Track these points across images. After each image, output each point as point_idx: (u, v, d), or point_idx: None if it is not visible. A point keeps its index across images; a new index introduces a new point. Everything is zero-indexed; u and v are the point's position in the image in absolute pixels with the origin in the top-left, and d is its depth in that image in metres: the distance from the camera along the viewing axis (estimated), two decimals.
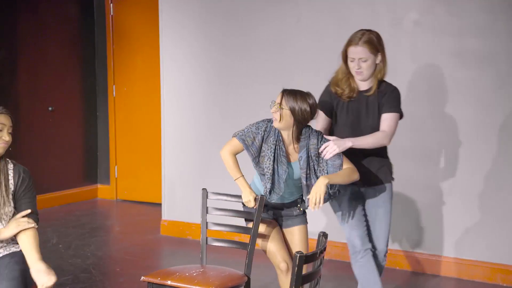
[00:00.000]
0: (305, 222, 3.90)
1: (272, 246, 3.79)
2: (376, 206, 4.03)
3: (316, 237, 3.03)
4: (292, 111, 3.66)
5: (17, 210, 3.44)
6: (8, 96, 7.12)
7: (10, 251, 3.39)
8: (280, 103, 3.67)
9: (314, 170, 3.70)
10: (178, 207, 6.36)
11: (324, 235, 3.00)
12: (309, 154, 3.69)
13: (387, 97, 3.93)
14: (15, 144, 7.09)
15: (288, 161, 3.73)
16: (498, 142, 5.04)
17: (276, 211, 3.88)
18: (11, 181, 3.43)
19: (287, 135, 3.73)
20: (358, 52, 3.86)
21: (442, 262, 5.27)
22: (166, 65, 6.39)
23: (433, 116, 5.25)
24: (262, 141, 3.75)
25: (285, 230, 3.90)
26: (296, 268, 2.68)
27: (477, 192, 5.13)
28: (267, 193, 3.77)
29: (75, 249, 5.94)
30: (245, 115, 5.96)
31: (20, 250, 3.41)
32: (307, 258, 2.73)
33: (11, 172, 3.45)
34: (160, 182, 6.77)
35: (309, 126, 3.76)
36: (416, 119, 5.30)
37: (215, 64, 6.15)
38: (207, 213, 3.96)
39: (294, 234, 3.88)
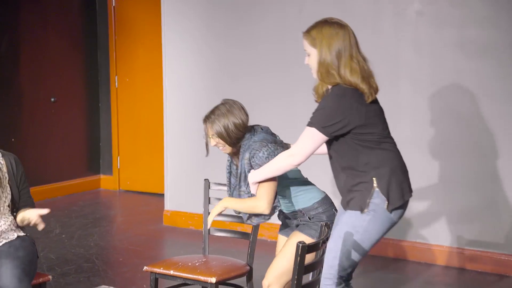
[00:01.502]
0: (302, 230, 3.49)
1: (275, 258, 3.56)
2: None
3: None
4: (220, 136, 3.41)
5: (19, 197, 3.46)
6: (11, 87, 7.12)
7: (9, 239, 3.40)
8: (209, 135, 3.44)
9: (239, 185, 3.46)
10: (180, 197, 6.38)
11: (326, 225, 3.01)
12: (239, 171, 3.43)
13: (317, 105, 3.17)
14: (18, 135, 7.13)
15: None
16: (500, 133, 5.04)
17: (289, 221, 3.63)
18: (3, 169, 3.44)
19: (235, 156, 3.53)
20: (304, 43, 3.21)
21: (444, 252, 5.28)
22: (169, 56, 6.39)
23: (435, 107, 5.25)
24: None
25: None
26: (299, 258, 2.69)
27: (477, 183, 5.13)
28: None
29: (78, 239, 5.97)
30: (247, 106, 5.94)
31: (19, 236, 3.42)
32: (309, 248, 2.75)
33: (1, 160, 3.46)
34: (162, 173, 6.78)
35: (251, 134, 3.44)
36: (418, 110, 5.30)
37: (217, 54, 6.15)
38: (209, 203, 3.97)
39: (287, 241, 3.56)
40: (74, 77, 7.79)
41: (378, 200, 3.12)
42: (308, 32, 3.16)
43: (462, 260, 5.20)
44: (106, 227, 6.46)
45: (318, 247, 2.84)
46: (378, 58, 5.41)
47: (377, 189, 3.12)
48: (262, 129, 3.52)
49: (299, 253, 2.69)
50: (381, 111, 3.22)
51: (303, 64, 5.69)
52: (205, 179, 4.00)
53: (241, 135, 3.45)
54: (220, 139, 3.44)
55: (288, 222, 3.63)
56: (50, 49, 7.48)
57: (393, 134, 4.89)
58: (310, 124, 3.10)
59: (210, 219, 3.47)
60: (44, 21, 7.40)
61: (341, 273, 3.20)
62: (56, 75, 7.56)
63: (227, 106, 3.47)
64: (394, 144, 3.25)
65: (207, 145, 3.52)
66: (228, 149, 3.49)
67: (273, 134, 3.56)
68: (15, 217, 3.47)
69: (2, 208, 3.41)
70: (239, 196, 3.49)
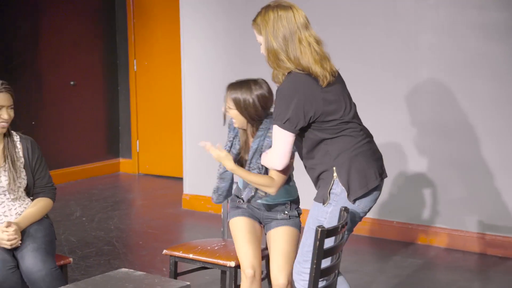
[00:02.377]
0: (294, 225, 3.48)
1: (242, 247, 3.42)
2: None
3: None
4: (238, 107, 3.34)
5: (35, 181, 3.48)
6: (31, 71, 7.16)
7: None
8: (227, 104, 3.38)
9: (251, 161, 3.38)
10: (199, 181, 6.39)
11: (345, 209, 3.00)
12: (260, 145, 3.36)
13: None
14: (38, 118, 7.18)
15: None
16: None
17: (258, 211, 3.55)
18: (19, 154, 3.45)
19: (250, 127, 3.43)
20: None
21: (466, 237, 5.26)
22: (187, 39, 6.38)
23: (456, 91, 5.20)
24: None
25: (268, 234, 3.53)
26: (318, 242, 2.69)
27: (497, 167, 5.10)
28: (216, 193, 3.56)
29: (98, 222, 6.01)
30: None
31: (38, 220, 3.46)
32: (328, 232, 2.74)
33: (18, 145, 3.47)
34: (181, 156, 6.80)
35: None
36: (439, 95, 5.26)
37: (234, 38, 6.13)
38: None
39: (277, 235, 3.45)
40: (93, 60, 7.81)
41: (338, 190, 2.98)
42: (254, 20, 3.00)
43: (483, 245, 5.18)
44: (126, 211, 6.50)
45: (337, 231, 2.83)
46: (398, 42, 5.38)
47: (336, 179, 2.97)
48: None
49: (318, 237, 2.68)
50: (341, 92, 3.01)
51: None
52: None
53: (261, 114, 3.36)
54: (237, 112, 3.36)
55: (258, 213, 3.54)
56: (69, 33, 7.50)
57: (413, 119, 4.87)
58: (274, 121, 2.95)
59: (208, 147, 3.28)
60: (64, 5, 7.42)
61: None
62: (75, 59, 7.59)
63: (254, 86, 3.38)
64: (359, 128, 3.03)
65: (224, 115, 3.44)
66: (239, 123, 3.41)
67: None
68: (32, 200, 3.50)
69: (18, 192, 3.44)
70: (245, 184, 3.41)
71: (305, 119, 2.91)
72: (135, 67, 7.96)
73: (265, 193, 3.33)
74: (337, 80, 3.03)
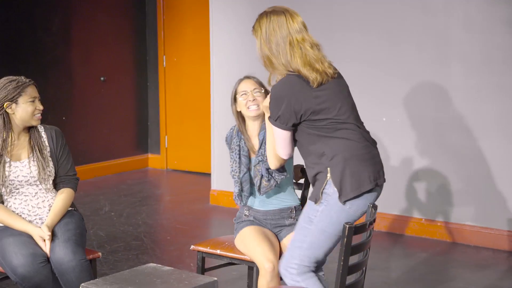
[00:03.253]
0: None
1: (257, 247, 3.40)
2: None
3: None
4: (262, 86, 3.57)
5: (57, 169, 3.53)
6: (62, 67, 7.22)
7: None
8: (262, 86, 3.54)
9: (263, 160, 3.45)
10: (227, 177, 6.38)
11: (373, 206, 2.99)
12: (265, 136, 3.41)
13: None
14: (68, 114, 7.25)
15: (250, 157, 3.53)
16: None
17: (265, 222, 3.57)
18: (45, 143, 3.51)
19: (258, 124, 3.53)
20: None
21: (496, 235, 5.21)
22: (216, 35, 6.39)
23: (487, 86, 5.15)
24: (230, 149, 3.60)
25: (282, 243, 3.52)
26: (346, 239, 2.68)
27: None
28: (237, 197, 3.59)
29: (127, 217, 6.05)
30: None
31: (68, 211, 3.50)
32: (356, 229, 2.73)
33: (43, 134, 3.54)
34: (209, 152, 6.82)
35: None
36: (469, 90, 5.21)
37: None
38: None
39: (288, 241, 3.42)
40: (123, 56, 7.86)
41: (330, 191, 3.00)
42: (252, 27, 3.14)
43: None
44: (154, 206, 6.53)
45: (365, 228, 2.83)
46: (428, 37, 5.33)
47: (329, 179, 3.00)
48: None
49: (346, 234, 2.68)
50: (337, 92, 3.05)
51: (350, 47, 5.66)
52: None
53: None
54: (263, 98, 3.48)
55: (262, 221, 3.57)
56: (100, 29, 7.56)
57: (444, 115, 4.84)
58: (269, 118, 3.09)
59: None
60: (94, 1, 7.48)
61: (305, 263, 3.06)
62: (105, 54, 7.65)
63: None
64: (355, 129, 3.05)
65: (237, 115, 3.57)
66: (259, 111, 3.50)
67: None
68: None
69: (49, 181, 3.48)
70: (255, 173, 3.48)
71: (296, 116, 3.01)
72: (164, 63, 7.99)
73: (269, 181, 3.42)
74: (335, 81, 3.08)
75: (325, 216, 3.02)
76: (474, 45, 5.16)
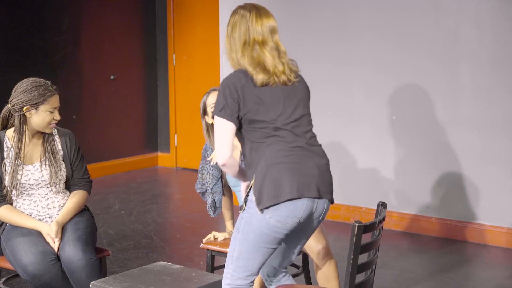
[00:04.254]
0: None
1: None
2: None
3: (375, 207, 3.02)
4: None
5: (72, 173, 3.54)
6: (71, 66, 7.25)
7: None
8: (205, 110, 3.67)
9: None
10: None
11: (383, 204, 2.99)
12: None
13: None
14: (78, 112, 7.27)
15: None
16: None
17: None
18: (58, 147, 3.52)
19: None
20: None
21: (507, 234, 5.19)
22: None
23: (497, 85, 5.13)
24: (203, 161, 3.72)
25: None
26: (355, 238, 2.68)
27: None
28: (209, 208, 3.70)
29: (136, 215, 6.06)
30: None
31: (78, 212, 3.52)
32: (365, 228, 2.73)
33: (56, 138, 3.54)
34: None
35: None
36: (479, 88, 5.19)
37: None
38: None
39: None
40: (132, 55, 7.88)
41: (252, 198, 2.87)
42: None
43: None
44: (164, 204, 6.55)
45: (374, 227, 2.82)
46: (438, 36, 5.31)
47: (252, 187, 2.88)
48: None
49: (355, 232, 2.67)
50: (281, 99, 2.92)
51: (360, 46, 5.65)
52: None
53: None
54: None
55: None
56: (109, 27, 7.57)
57: (453, 114, 4.81)
58: (213, 112, 2.94)
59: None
60: (104, 0, 7.49)
61: (239, 274, 2.92)
62: (115, 53, 7.66)
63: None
64: (287, 138, 2.89)
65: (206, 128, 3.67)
66: None
67: None
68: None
69: (60, 184, 3.49)
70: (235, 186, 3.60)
71: (239, 107, 2.88)
72: (174, 61, 8.00)
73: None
74: (287, 87, 2.96)
75: (246, 223, 2.88)
76: (484, 44, 5.14)
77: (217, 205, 3.71)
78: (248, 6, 3.02)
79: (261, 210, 2.83)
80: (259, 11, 3.01)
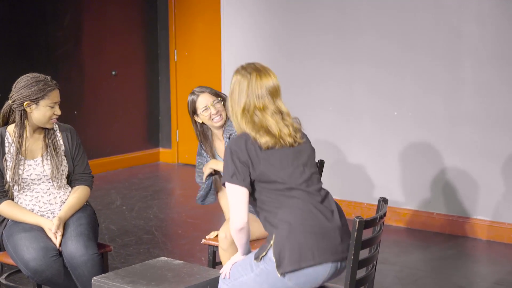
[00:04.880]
0: None
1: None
2: None
3: (376, 203, 3.02)
4: (217, 95, 3.71)
5: (73, 168, 3.55)
6: (73, 61, 7.25)
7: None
8: (219, 97, 3.70)
9: None
10: None
11: (384, 200, 2.99)
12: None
13: None
14: (80, 108, 7.27)
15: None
16: None
17: None
18: (60, 142, 3.52)
19: (221, 130, 3.74)
20: None
21: (508, 229, 5.19)
22: (227, 30, 6.39)
23: (499, 80, 5.12)
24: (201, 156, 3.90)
25: None
26: (356, 234, 2.68)
27: None
28: (200, 198, 3.87)
29: (138, 211, 6.07)
30: (302, 84, 5.94)
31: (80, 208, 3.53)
32: (366, 223, 2.73)
33: (58, 133, 3.54)
34: None
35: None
36: (481, 84, 5.19)
37: (275, 28, 6.12)
38: None
39: None
40: (134, 50, 7.88)
41: (271, 257, 2.82)
42: None
43: None
44: (165, 200, 6.55)
45: (375, 222, 2.82)
46: (439, 32, 5.31)
47: (272, 247, 2.82)
48: None
49: (357, 228, 2.68)
50: (289, 160, 2.90)
51: (362, 42, 5.65)
52: None
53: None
54: (222, 105, 3.67)
55: None
56: (111, 23, 7.57)
57: (455, 110, 4.81)
58: (223, 178, 2.91)
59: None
60: None
61: None
62: (116, 49, 7.66)
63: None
64: (304, 199, 2.87)
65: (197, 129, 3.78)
66: (223, 119, 3.69)
67: None
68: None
69: (61, 180, 3.50)
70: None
71: (249, 171, 2.86)
72: (175, 57, 8.00)
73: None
74: (293, 149, 2.93)
75: (262, 278, 2.85)
76: (485, 41, 5.13)
77: (210, 200, 3.87)
78: (249, 67, 2.97)
79: (282, 274, 2.79)
80: (260, 73, 2.95)
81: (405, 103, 5.52)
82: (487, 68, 5.15)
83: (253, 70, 2.95)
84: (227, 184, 2.88)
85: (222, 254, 3.60)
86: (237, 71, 2.98)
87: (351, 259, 2.70)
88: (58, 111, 3.45)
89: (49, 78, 3.46)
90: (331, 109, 5.82)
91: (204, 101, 3.68)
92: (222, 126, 3.72)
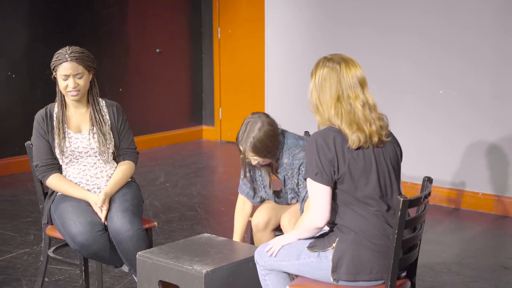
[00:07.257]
0: None
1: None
2: None
3: (421, 182, 2.99)
4: (258, 153, 3.39)
5: (119, 143, 3.60)
6: (118, 39, 7.30)
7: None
8: (244, 154, 3.46)
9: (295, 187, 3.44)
10: None
11: (429, 179, 2.96)
12: (284, 174, 3.44)
13: None
14: (125, 85, 7.34)
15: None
16: None
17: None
18: (106, 117, 3.56)
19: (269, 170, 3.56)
20: None
21: None
22: (271, 7, 6.36)
23: None
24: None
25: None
26: (400, 212, 2.67)
27: None
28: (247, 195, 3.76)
29: (181, 188, 6.12)
30: None
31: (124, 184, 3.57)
32: (411, 203, 2.71)
33: (104, 109, 3.58)
34: None
35: (283, 137, 3.47)
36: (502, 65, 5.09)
37: (317, 9, 6.07)
38: None
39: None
40: (178, 28, 7.90)
41: (328, 257, 2.80)
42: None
43: None
44: (208, 177, 6.59)
45: (420, 201, 2.80)
46: (488, 7, 5.21)
47: (332, 249, 2.79)
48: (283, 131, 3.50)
49: (401, 207, 2.66)
50: (372, 165, 2.81)
51: (407, 17, 5.57)
52: (305, 131, 4.00)
53: (277, 143, 3.41)
54: (259, 156, 3.40)
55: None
56: (155, 1, 7.60)
57: (501, 88, 4.72)
58: (305, 174, 2.84)
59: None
60: None
61: (267, 267, 2.97)
62: (161, 26, 7.69)
63: (252, 120, 3.54)
64: (376, 211, 2.79)
65: (244, 166, 3.60)
66: (264, 168, 3.52)
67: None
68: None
69: (108, 154, 3.54)
70: (283, 199, 3.57)
71: (334, 171, 2.78)
72: (219, 34, 8.00)
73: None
74: (378, 150, 2.85)
75: (306, 269, 2.85)
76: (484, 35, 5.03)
77: (258, 199, 3.73)
78: (335, 58, 2.86)
79: (334, 280, 2.79)
80: (347, 61, 2.86)
81: (451, 82, 5.44)
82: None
83: (341, 60, 2.86)
84: (309, 180, 2.80)
85: (255, 237, 3.62)
86: (322, 65, 2.85)
87: (395, 238, 2.69)
88: (72, 84, 3.40)
89: (69, 50, 3.43)
90: (375, 87, 5.76)
91: (242, 151, 3.48)
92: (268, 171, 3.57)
